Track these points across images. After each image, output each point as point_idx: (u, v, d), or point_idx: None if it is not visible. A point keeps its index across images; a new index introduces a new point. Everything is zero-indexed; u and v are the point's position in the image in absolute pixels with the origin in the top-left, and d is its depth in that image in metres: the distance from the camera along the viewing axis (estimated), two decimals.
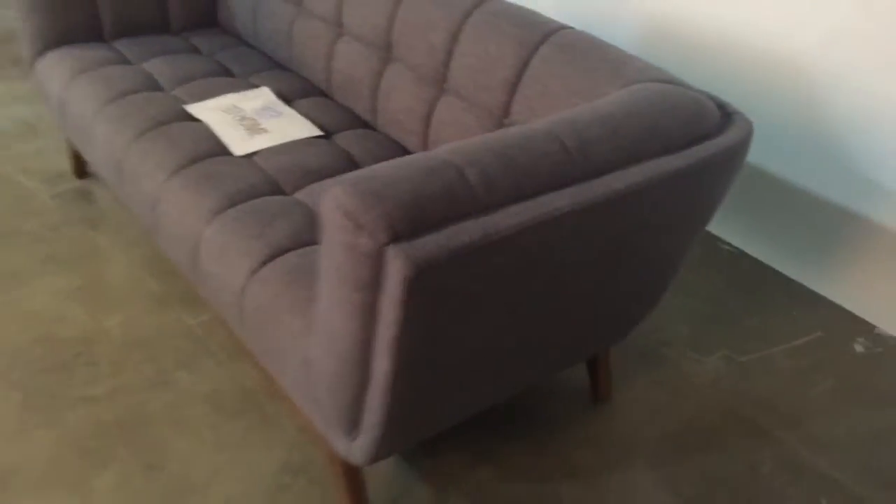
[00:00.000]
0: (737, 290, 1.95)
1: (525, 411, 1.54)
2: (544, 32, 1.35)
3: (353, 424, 1.06)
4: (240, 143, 1.51)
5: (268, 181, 1.42)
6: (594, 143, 0.98)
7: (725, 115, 1.17)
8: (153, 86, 1.75)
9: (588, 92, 1.24)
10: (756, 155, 2.02)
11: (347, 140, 1.60)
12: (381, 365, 0.93)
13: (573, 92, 1.26)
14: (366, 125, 1.70)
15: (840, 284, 1.92)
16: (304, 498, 1.33)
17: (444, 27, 1.47)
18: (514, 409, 1.54)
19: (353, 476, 1.23)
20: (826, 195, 1.89)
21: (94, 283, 1.77)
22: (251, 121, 1.59)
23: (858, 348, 1.80)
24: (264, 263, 1.22)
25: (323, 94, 1.81)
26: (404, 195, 0.84)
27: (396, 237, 0.82)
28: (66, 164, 2.19)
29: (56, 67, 1.82)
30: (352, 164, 1.52)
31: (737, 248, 2.13)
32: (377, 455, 1.09)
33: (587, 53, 1.27)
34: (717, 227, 2.17)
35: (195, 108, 1.62)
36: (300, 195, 1.40)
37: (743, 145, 1.12)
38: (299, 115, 1.64)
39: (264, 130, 1.56)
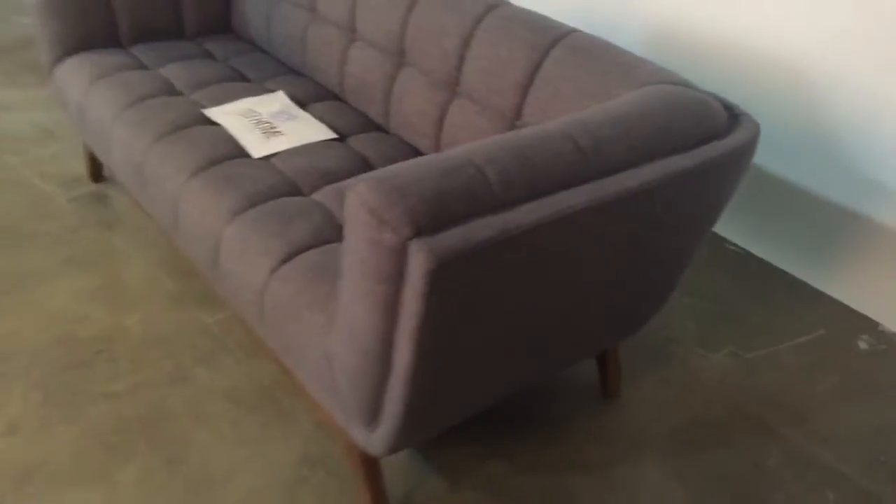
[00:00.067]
0: (742, 289, 1.99)
1: (536, 406, 1.57)
2: (555, 36, 1.39)
3: (372, 416, 1.09)
4: (257, 146, 1.55)
5: (286, 182, 1.46)
6: (607, 143, 1.02)
7: (733, 117, 1.20)
8: (171, 90, 1.79)
9: (599, 94, 1.28)
10: (759, 156, 2.06)
11: (362, 143, 1.64)
12: (402, 356, 0.96)
13: (585, 94, 1.30)
14: (379, 128, 1.74)
15: (844, 283, 1.96)
16: (322, 489, 1.36)
17: (456, 32, 1.51)
18: (525, 404, 1.58)
19: (370, 467, 1.27)
20: (828, 195, 1.92)
21: (113, 283, 1.81)
22: (267, 124, 1.63)
23: (862, 345, 1.83)
24: (284, 262, 1.26)
25: (336, 98, 1.85)
26: (426, 192, 0.88)
27: (419, 232, 0.86)
28: (81, 169, 2.23)
29: (75, 73, 1.86)
30: (367, 166, 1.56)
31: (742, 248, 2.16)
32: (396, 446, 1.12)
33: (598, 56, 1.31)
34: (723, 227, 2.20)
35: (213, 112, 1.66)
36: (318, 196, 1.44)
37: (750, 145, 1.15)
38: (314, 119, 1.68)
39: (280, 133, 1.60)
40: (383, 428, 1.09)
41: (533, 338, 1.13)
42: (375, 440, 1.12)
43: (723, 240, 2.19)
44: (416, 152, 1.64)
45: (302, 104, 1.78)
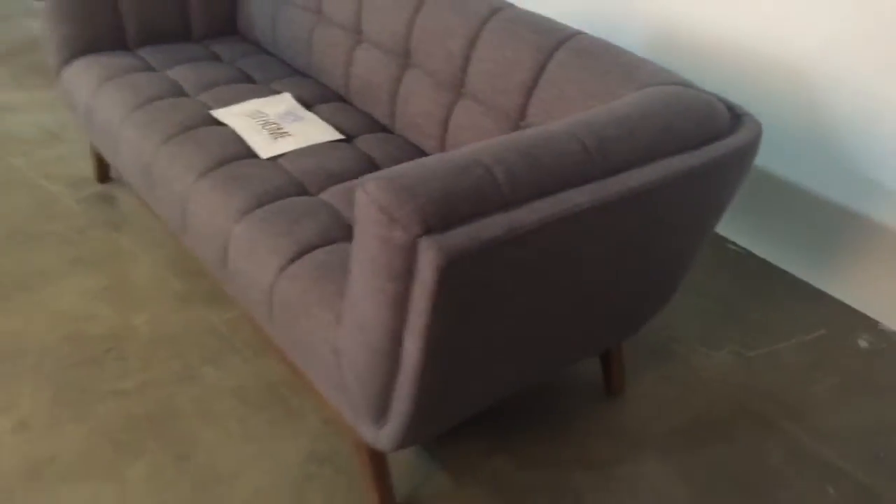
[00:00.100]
0: (744, 289, 2.01)
1: (540, 404, 1.59)
2: (560, 38, 1.41)
3: (381, 412, 1.11)
4: (265, 147, 1.57)
5: (293, 183, 1.48)
6: (612, 143, 1.04)
7: (735, 117, 1.22)
8: (178, 92, 1.81)
9: (603, 95, 1.30)
10: (760, 157, 2.07)
11: (368, 143, 1.66)
12: (411, 353, 0.98)
13: (588, 95, 1.32)
14: (384, 129, 1.76)
15: (844, 282, 1.98)
16: (330, 486, 1.38)
17: (462, 34, 1.53)
18: (529, 401, 1.59)
19: (378, 463, 1.28)
20: (828, 196, 1.94)
21: (120, 282, 1.83)
22: (275, 125, 1.65)
23: (862, 344, 1.85)
24: (293, 260, 1.28)
25: (342, 99, 1.87)
26: (436, 191, 0.90)
27: (429, 230, 0.88)
28: (88, 170, 2.25)
29: (83, 75, 1.88)
30: (373, 167, 1.58)
31: (743, 248, 2.18)
32: (404, 442, 1.13)
33: (602, 58, 1.33)
34: (725, 228, 2.22)
35: (221, 113, 1.68)
36: (325, 196, 1.46)
37: (752, 145, 1.17)
38: (320, 120, 1.70)
39: (288, 134, 1.62)
40: (391, 424, 1.11)
41: (538, 335, 1.15)
42: (383, 437, 1.14)
43: (724, 240, 2.21)
44: (422, 153, 1.66)
45: (308, 105, 1.80)
